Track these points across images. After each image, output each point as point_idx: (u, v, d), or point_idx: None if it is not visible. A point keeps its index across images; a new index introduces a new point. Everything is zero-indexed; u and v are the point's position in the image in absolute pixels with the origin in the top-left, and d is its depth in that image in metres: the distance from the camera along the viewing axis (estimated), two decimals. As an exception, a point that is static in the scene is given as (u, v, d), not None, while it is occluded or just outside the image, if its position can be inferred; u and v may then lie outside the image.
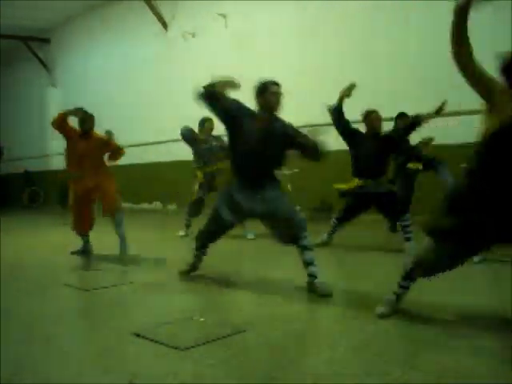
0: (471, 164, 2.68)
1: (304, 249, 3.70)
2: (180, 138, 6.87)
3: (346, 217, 5.53)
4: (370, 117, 5.30)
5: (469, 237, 2.64)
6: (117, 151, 5.42)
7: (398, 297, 3.01)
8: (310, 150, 3.78)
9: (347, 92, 5.15)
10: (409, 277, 2.94)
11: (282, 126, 3.82)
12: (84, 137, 5.31)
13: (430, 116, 5.67)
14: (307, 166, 6.36)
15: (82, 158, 5.31)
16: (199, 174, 6.76)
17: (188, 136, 6.79)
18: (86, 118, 5.31)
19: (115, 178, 5.50)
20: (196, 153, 6.87)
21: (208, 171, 6.73)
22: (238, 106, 3.83)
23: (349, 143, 5.39)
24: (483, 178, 2.60)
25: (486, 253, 4.15)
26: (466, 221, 2.61)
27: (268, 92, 3.74)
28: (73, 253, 5.64)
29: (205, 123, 6.80)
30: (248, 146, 3.77)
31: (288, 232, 3.75)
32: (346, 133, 5.30)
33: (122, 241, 5.25)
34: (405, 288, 2.99)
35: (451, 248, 2.71)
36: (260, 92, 3.78)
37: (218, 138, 6.81)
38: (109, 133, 5.25)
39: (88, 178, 5.27)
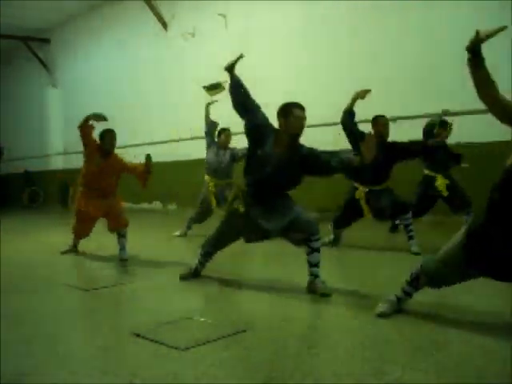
0: (493, 196, 2.58)
1: (313, 250, 3.69)
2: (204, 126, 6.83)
3: (343, 222, 5.52)
4: (377, 122, 5.21)
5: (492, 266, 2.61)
6: (142, 174, 5.20)
7: (399, 300, 3.02)
8: (346, 166, 3.65)
9: (361, 94, 5.00)
10: (412, 284, 2.94)
11: (302, 151, 3.71)
12: (104, 156, 5.25)
13: (438, 140, 5.65)
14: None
15: (98, 176, 5.26)
16: (211, 184, 6.69)
17: (211, 127, 6.75)
18: (109, 137, 5.22)
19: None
20: (207, 160, 6.81)
21: (219, 184, 6.68)
22: (266, 123, 3.76)
23: (354, 146, 5.32)
24: (504, 210, 2.53)
25: None
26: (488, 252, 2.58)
27: (292, 116, 3.64)
28: (63, 252, 5.68)
29: (221, 134, 6.73)
30: (265, 170, 3.68)
31: (301, 235, 3.73)
32: (353, 135, 5.22)
33: (122, 249, 5.27)
34: (407, 294, 2.99)
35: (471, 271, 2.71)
36: (283, 114, 3.68)
37: (233, 149, 6.75)
38: (148, 158, 5.06)
39: (98, 198, 5.29)
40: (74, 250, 5.74)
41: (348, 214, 5.41)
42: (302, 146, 3.75)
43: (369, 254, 5.26)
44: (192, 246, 5.39)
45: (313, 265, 3.68)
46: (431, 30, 7.25)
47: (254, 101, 3.84)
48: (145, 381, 2.20)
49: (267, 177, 3.69)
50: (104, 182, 5.28)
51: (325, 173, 3.80)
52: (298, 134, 3.71)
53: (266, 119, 3.79)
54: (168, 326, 2.94)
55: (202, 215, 6.79)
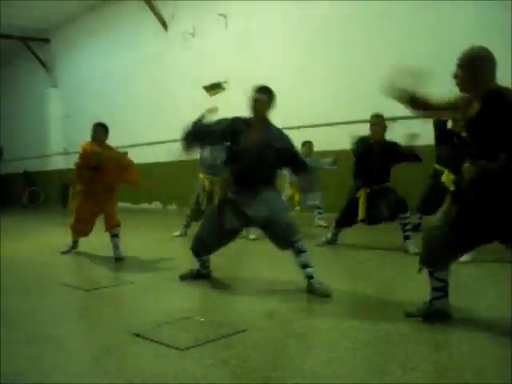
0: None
1: (298, 252, 3.71)
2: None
3: (345, 222, 5.51)
4: (371, 121, 5.25)
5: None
6: (130, 173, 5.35)
7: (433, 299, 2.91)
8: (303, 170, 3.92)
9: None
10: (429, 273, 2.89)
11: (277, 134, 3.85)
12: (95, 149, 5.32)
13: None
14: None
15: (92, 171, 5.33)
16: (206, 182, 6.70)
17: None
18: (94, 131, 5.31)
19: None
20: (201, 157, 6.82)
21: (214, 181, 6.68)
22: (226, 122, 3.89)
23: (356, 152, 5.39)
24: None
25: (477, 254, 4.18)
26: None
27: (252, 98, 3.82)
28: (63, 252, 5.69)
29: None
30: (243, 150, 3.80)
31: (282, 237, 3.76)
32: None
33: (117, 248, 5.31)
34: (434, 289, 2.88)
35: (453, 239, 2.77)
36: (249, 97, 3.87)
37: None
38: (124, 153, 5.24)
39: (93, 193, 5.34)
40: (73, 247, 5.74)
41: (349, 214, 5.41)
42: (282, 135, 3.86)
43: (369, 254, 5.26)
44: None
45: (304, 266, 3.70)
46: (432, 29, 7.24)
47: (208, 128, 3.91)
48: (145, 381, 2.20)
49: (244, 160, 3.79)
50: (98, 173, 5.32)
51: (297, 171, 4.01)
52: (257, 116, 3.82)
53: (225, 122, 3.90)
54: (168, 326, 2.94)
55: (197, 212, 6.79)
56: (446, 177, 5.83)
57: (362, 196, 5.26)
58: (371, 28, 7.95)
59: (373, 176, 5.23)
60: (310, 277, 3.66)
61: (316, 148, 7.40)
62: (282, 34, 9.21)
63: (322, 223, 7.47)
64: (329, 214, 7.60)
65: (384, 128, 5.26)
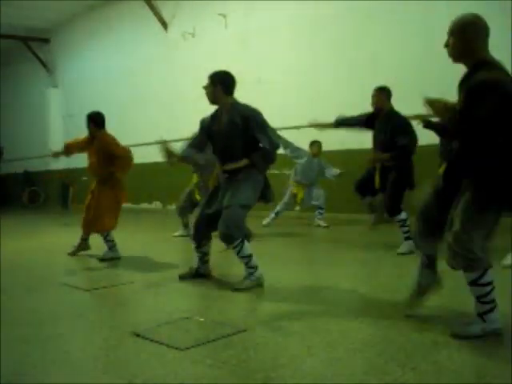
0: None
1: (238, 256, 3.89)
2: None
3: (363, 187, 5.39)
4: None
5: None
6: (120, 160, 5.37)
7: (419, 282, 2.91)
8: (263, 150, 3.87)
9: None
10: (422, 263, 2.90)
11: (238, 113, 3.89)
12: (91, 141, 5.39)
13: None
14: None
15: (88, 160, 5.43)
16: (194, 177, 6.70)
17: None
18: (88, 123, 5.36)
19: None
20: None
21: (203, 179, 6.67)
22: (202, 125, 4.13)
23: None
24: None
25: None
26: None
27: None
28: (70, 254, 5.61)
29: None
30: (215, 137, 4.01)
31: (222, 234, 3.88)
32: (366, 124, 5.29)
33: (110, 249, 5.30)
34: (425, 266, 2.88)
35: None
36: None
37: None
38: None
39: (96, 185, 5.39)
40: (80, 245, 5.59)
41: (367, 177, 5.34)
42: (237, 109, 3.91)
43: (369, 254, 5.26)
44: (191, 246, 5.39)
45: (246, 265, 3.88)
46: (432, 30, 7.23)
47: (195, 145, 4.19)
48: (145, 381, 2.21)
49: (216, 145, 4.01)
50: (92, 165, 5.37)
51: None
52: (212, 101, 3.97)
53: (201, 126, 4.14)
54: (168, 326, 2.94)
55: (184, 208, 6.76)
56: (443, 169, 5.85)
57: (377, 166, 5.23)
58: (372, 28, 7.95)
59: (381, 146, 5.18)
60: (250, 274, 3.84)
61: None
62: (282, 33, 9.21)
63: (322, 223, 7.47)
64: (329, 214, 7.62)
65: (380, 99, 5.21)
